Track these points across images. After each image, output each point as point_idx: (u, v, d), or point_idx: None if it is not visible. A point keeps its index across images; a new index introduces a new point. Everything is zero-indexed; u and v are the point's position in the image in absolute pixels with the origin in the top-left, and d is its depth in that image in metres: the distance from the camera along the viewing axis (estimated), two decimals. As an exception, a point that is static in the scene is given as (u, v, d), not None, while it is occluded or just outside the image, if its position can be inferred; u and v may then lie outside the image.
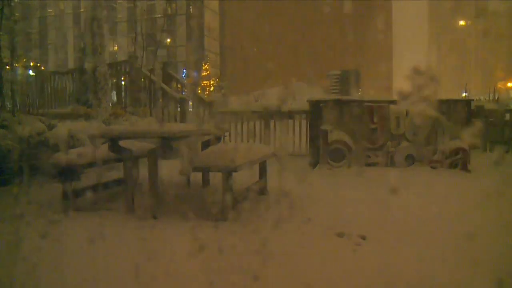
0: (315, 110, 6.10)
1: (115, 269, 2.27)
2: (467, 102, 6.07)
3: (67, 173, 3.56)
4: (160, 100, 8.65)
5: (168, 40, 46.47)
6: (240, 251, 2.62)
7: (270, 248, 2.59)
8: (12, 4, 7.14)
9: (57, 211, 3.45)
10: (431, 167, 5.54)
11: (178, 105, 8.16)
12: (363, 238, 2.82)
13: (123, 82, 8.99)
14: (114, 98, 8.92)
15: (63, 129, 5.07)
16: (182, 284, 2.16)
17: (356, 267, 2.37)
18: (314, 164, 5.95)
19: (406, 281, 2.17)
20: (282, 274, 2.25)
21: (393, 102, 5.94)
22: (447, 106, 5.81)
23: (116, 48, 49.07)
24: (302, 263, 2.41)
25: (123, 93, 8.91)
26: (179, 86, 9.19)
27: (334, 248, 2.69)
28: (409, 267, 2.34)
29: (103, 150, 3.66)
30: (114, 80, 8.94)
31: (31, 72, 10.42)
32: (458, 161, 5.51)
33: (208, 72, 39.94)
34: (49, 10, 53.71)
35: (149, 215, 3.32)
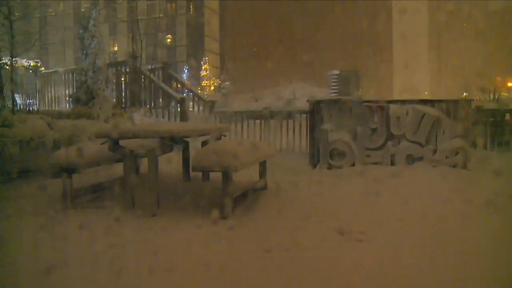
0: (315, 110, 6.11)
1: (112, 267, 2.27)
2: (467, 102, 6.07)
3: (66, 171, 3.56)
4: (161, 100, 8.65)
5: (168, 40, 46.46)
6: (240, 249, 2.63)
7: (270, 247, 2.59)
8: (12, 3, 7.14)
9: (57, 209, 3.45)
10: (431, 166, 5.54)
11: (178, 105, 8.16)
12: (364, 235, 2.83)
13: (123, 82, 8.99)
14: (114, 98, 8.91)
15: (63, 127, 5.07)
16: (181, 282, 2.17)
17: (356, 263, 2.38)
18: (314, 164, 5.96)
19: (406, 277, 2.18)
20: (282, 272, 2.26)
21: (393, 102, 5.94)
22: (447, 106, 5.81)
23: (116, 48, 49.02)
24: (303, 260, 2.41)
25: (123, 93, 8.91)
26: (179, 86, 9.19)
27: (335, 245, 2.70)
28: (409, 264, 2.35)
29: (103, 149, 3.66)
30: (114, 80, 8.94)
31: (31, 72, 10.43)
32: (458, 160, 5.51)
33: (208, 72, 39.90)
34: (49, 10, 53.68)
35: (149, 213, 3.32)
